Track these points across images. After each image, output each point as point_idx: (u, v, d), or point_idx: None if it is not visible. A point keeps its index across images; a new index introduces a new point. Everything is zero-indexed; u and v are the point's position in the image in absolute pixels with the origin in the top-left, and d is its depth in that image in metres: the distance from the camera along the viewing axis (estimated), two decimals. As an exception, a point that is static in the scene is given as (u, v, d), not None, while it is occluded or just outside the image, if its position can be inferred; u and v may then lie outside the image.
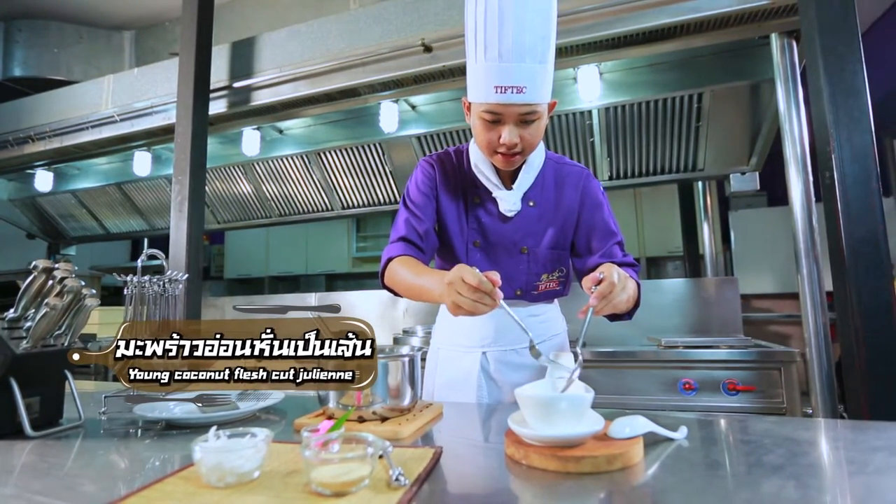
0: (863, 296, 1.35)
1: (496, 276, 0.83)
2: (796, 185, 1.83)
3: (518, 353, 1.18)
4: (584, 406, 0.70)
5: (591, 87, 2.39)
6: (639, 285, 1.09)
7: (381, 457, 0.64)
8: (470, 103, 1.07)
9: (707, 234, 3.34)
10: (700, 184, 3.33)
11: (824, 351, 1.73)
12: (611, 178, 2.80)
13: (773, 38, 1.92)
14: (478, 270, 0.83)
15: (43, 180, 3.72)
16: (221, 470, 0.58)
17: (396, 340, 2.79)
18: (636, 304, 1.10)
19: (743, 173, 2.62)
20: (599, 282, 0.87)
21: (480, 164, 1.16)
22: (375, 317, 3.28)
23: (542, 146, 1.19)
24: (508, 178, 1.17)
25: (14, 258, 4.49)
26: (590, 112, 2.55)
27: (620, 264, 1.09)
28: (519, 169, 1.15)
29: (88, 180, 3.85)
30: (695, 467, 0.65)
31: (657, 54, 2.21)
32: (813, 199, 1.81)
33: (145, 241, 5.15)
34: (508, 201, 1.14)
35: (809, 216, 1.81)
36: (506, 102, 0.98)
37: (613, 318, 1.14)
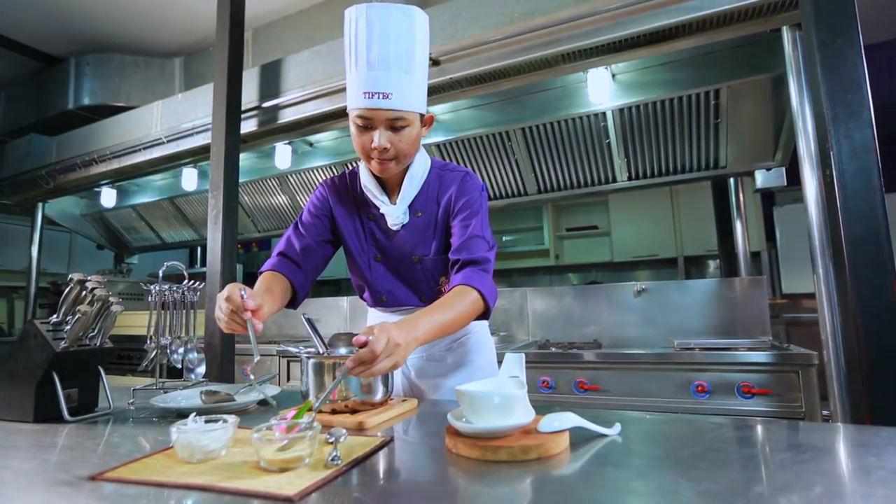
0: (863, 295, 1.31)
1: (252, 303, 0.95)
2: (810, 181, 1.77)
3: (434, 359, 1.24)
4: (516, 402, 0.77)
5: (602, 89, 2.39)
6: (482, 292, 1.07)
7: (331, 442, 0.74)
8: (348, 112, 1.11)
9: (740, 233, 3.22)
10: (732, 181, 3.22)
11: (842, 352, 1.67)
12: (629, 179, 2.78)
13: (784, 30, 1.86)
14: (240, 293, 0.94)
15: (108, 197, 4.14)
16: (192, 448, 0.70)
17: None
18: (488, 308, 1.09)
19: (769, 169, 2.53)
20: (364, 344, 0.83)
21: (368, 183, 1.21)
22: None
23: (425, 156, 1.22)
24: (395, 193, 1.21)
25: (87, 267, 5.01)
26: (604, 114, 2.55)
27: (477, 261, 1.10)
28: (403, 183, 1.19)
29: (146, 195, 4.25)
30: (609, 460, 0.70)
31: (669, 53, 2.19)
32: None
33: (199, 249, 5.58)
34: (393, 215, 1.19)
35: (824, 214, 1.74)
36: (373, 107, 1.04)
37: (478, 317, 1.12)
